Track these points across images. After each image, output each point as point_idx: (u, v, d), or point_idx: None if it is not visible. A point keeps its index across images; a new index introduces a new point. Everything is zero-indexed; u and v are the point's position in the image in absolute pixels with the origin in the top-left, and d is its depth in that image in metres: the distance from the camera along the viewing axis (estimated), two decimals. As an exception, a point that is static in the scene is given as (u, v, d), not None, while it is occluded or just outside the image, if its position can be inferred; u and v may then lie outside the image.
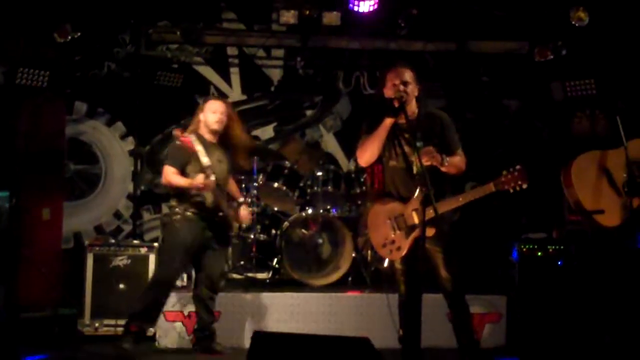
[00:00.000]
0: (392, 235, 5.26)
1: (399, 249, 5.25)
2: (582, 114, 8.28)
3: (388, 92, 5.27)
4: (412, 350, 5.37)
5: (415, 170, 5.15)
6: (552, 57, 8.53)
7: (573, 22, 7.90)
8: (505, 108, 9.42)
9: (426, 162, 4.96)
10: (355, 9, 8.01)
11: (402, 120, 5.15)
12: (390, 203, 5.32)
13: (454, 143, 5.35)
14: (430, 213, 4.88)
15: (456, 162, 5.25)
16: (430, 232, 5.05)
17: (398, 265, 5.38)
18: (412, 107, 5.30)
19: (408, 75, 5.32)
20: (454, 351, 5.50)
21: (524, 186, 4.99)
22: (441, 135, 5.30)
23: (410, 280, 5.38)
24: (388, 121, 5.18)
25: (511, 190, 5.01)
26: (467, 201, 5.11)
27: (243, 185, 7.86)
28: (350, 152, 8.88)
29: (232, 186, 6.57)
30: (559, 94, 8.71)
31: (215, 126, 6.15)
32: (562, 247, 7.20)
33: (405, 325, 5.45)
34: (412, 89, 5.28)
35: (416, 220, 5.13)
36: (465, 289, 5.49)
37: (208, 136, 6.19)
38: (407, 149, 5.26)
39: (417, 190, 5.13)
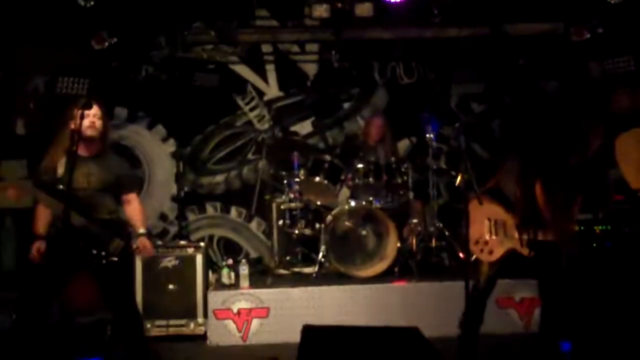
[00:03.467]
0: (487, 237, 5.21)
1: (490, 252, 5.21)
2: (622, 91, 8.18)
3: None
4: (470, 337, 5.37)
5: None
6: (588, 36, 8.44)
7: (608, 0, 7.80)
8: (543, 90, 9.34)
9: None
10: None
11: None
12: (493, 203, 5.22)
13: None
14: (529, 239, 4.96)
15: None
16: (525, 251, 5.06)
17: (485, 265, 5.32)
18: None
19: None
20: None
21: None
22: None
23: (492, 280, 5.37)
24: None
25: None
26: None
27: (285, 182, 7.91)
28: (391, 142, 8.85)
29: (133, 211, 5.69)
30: (598, 73, 8.62)
31: (94, 140, 5.39)
32: (608, 227, 7.12)
33: (469, 313, 5.41)
34: None
35: (517, 234, 5.09)
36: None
37: (81, 148, 5.25)
38: None
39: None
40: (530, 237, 4.97)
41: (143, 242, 5.63)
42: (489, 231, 5.19)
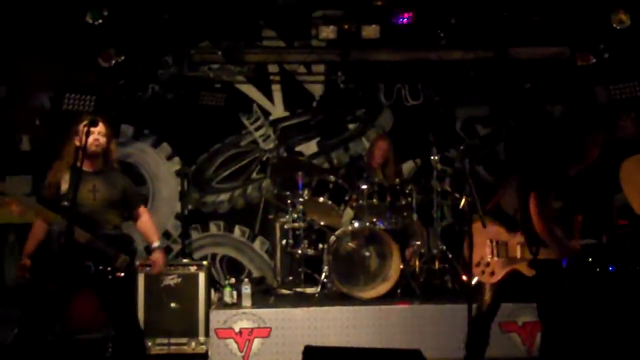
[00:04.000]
0: (489, 259, 5.23)
1: (492, 274, 5.24)
2: (627, 116, 8.19)
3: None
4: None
5: None
6: (594, 60, 8.47)
7: (614, 25, 7.82)
8: (548, 114, 9.35)
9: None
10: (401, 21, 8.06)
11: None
12: (496, 225, 5.25)
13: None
14: (535, 257, 5.03)
15: None
16: (528, 272, 5.10)
17: (488, 287, 5.32)
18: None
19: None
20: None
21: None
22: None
23: (495, 302, 5.38)
24: None
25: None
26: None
27: (289, 201, 7.91)
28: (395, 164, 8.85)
29: (144, 225, 5.77)
30: (603, 98, 8.64)
31: (98, 157, 5.46)
32: (612, 252, 7.10)
33: (473, 336, 5.41)
34: None
35: (518, 254, 5.12)
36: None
37: (85, 164, 5.27)
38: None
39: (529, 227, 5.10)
40: (533, 255, 4.97)
41: (156, 257, 5.65)
42: (491, 252, 5.21)
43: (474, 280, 5.27)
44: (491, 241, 5.24)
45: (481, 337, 5.43)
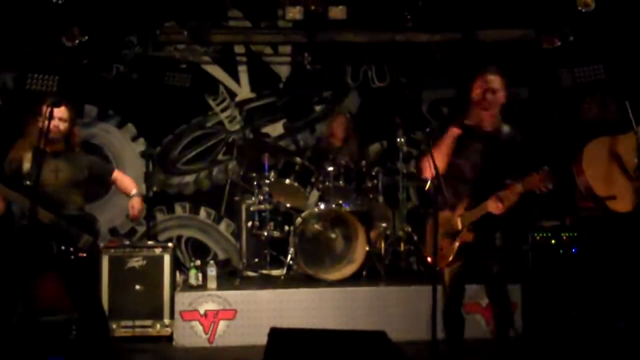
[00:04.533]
0: (441, 243, 5.22)
1: (444, 256, 5.26)
2: (592, 99, 8.25)
3: (473, 96, 5.29)
4: (455, 341, 5.52)
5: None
6: (559, 43, 8.52)
7: (579, 8, 7.86)
8: (515, 97, 9.39)
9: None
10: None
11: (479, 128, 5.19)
12: (443, 212, 5.21)
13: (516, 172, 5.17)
14: (470, 218, 5.09)
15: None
16: (469, 237, 5.16)
17: (446, 271, 5.39)
18: (494, 119, 5.27)
19: (497, 82, 5.30)
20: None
21: (550, 187, 4.84)
22: (511, 159, 5.20)
23: (457, 283, 5.45)
24: (455, 131, 5.16)
25: (537, 192, 4.88)
26: (500, 202, 5.06)
27: (255, 183, 7.88)
28: (360, 144, 8.83)
29: (121, 182, 5.88)
30: (568, 81, 8.70)
31: (61, 139, 5.45)
32: (575, 234, 7.19)
33: (446, 318, 5.49)
34: (499, 98, 5.27)
35: (459, 225, 5.17)
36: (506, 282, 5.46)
37: (48, 145, 5.15)
38: (478, 156, 5.22)
39: (466, 198, 5.21)
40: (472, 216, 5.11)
41: (132, 202, 5.73)
42: (442, 236, 5.22)
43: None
44: (440, 226, 5.17)
45: (455, 319, 5.50)
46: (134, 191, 5.80)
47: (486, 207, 5.06)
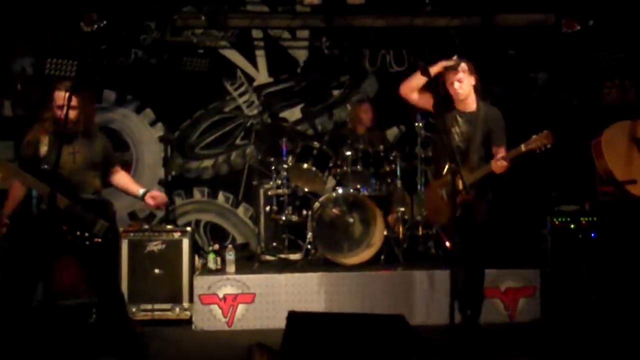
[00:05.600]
0: (440, 203, 5.74)
1: (443, 214, 5.71)
2: (611, 83, 8.19)
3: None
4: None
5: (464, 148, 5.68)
6: (579, 27, 8.45)
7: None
8: (533, 81, 9.35)
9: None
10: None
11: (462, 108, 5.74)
12: (444, 177, 5.76)
13: (502, 139, 5.76)
14: (471, 179, 5.47)
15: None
16: (468, 197, 5.40)
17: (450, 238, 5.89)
18: (469, 101, 5.80)
19: (462, 72, 5.74)
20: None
21: (549, 145, 5.29)
22: (493, 130, 5.74)
23: (459, 254, 5.62)
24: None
25: (538, 151, 5.33)
26: (505, 161, 5.47)
27: (273, 168, 7.89)
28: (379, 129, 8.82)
29: (123, 179, 5.74)
30: (588, 65, 8.64)
31: (78, 124, 5.34)
32: (594, 218, 7.15)
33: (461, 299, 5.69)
34: (466, 86, 5.75)
35: (460, 186, 5.24)
36: (487, 265, 5.89)
37: (64, 129, 5.17)
38: (464, 129, 5.71)
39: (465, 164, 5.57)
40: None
41: (153, 194, 5.61)
42: (442, 197, 5.77)
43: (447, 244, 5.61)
44: (440, 188, 5.79)
45: (469, 298, 5.75)
46: (141, 190, 5.63)
47: (489, 168, 5.52)
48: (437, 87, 5.68)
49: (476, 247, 5.68)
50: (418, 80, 5.81)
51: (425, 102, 5.86)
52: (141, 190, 5.62)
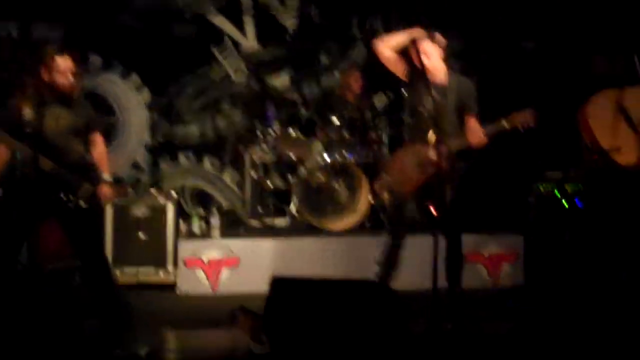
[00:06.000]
0: (411, 174, 5.66)
1: (413, 183, 5.66)
2: (600, 53, 8.17)
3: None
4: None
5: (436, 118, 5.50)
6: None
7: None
8: (521, 49, 9.31)
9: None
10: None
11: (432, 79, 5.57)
12: (412, 146, 5.74)
13: (473, 108, 5.64)
14: (447, 150, 5.35)
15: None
16: (444, 167, 5.32)
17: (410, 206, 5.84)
18: (440, 72, 5.70)
19: (429, 45, 5.62)
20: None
21: (531, 125, 5.29)
22: (465, 100, 5.63)
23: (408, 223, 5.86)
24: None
25: (521, 129, 5.34)
26: (480, 138, 5.40)
27: (259, 134, 7.87)
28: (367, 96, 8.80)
29: (99, 155, 5.58)
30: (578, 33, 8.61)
31: (66, 90, 5.29)
32: (580, 186, 7.16)
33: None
34: (435, 59, 5.64)
35: (433, 157, 5.37)
36: (463, 231, 5.81)
37: (50, 93, 5.21)
38: (436, 98, 5.51)
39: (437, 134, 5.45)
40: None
41: (104, 190, 5.53)
42: (411, 167, 5.68)
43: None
44: (410, 157, 5.71)
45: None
46: (105, 175, 5.53)
47: (466, 140, 5.46)
48: (411, 56, 5.61)
49: (451, 216, 5.63)
50: (399, 39, 5.72)
51: (396, 66, 5.80)
52: (105, 176, 5.56)
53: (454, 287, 5.64)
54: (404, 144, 6.01)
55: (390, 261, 5.82)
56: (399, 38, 5.70)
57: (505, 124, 5.35)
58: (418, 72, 5.56)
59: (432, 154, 5.41)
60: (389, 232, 6.01)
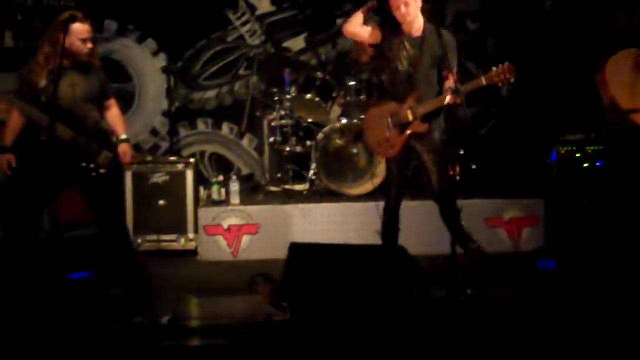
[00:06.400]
0: (387, 134, 5.61)
1: (392, 146, 5.61)
2: (620, 11, 8.05)
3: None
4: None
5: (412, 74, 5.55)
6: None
7: None
8: (539, 9, 9.18)
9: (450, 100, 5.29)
10: None
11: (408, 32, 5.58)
12: (387, 104, 5.72)
13: (453, 63, 5.49)
14: (423, 110, 5.43)
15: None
16: (421, 127, 5.47)
17: (392, 167, 5.81)
18: (416, 25, 5.61)
19: None
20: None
21: (512, 80, 5.19)
22: (443, 54, 5.41)
23: (399, 184, 5.86)
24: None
25: (500, 84, 5.26)
26: (459, 96, 5.22)
27: (276, 98, 7.84)
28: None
29: (114, 117, 5.71)
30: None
31: (84, 58, 5.38)
32: (600, 147, 7.09)
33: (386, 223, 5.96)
34: (413, 9, 5.53)
35: (410, 117, 5.45)
36: (455, 195, 5.76)
37: (65, 60, 5.21)
38: (412, 54, 5.54)
39: (414, 92, 5.51)
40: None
41: (124, 148, 5.58)
42: (387, 127, 5.63)
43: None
44: (385, 117, 5.64)
45: (391, 224, 5.95)
46: (123, 135, 5.64)
47: (442, 100, 5.36)
48: (385, 13, 5.61)
49: (436, 179, 5.71)
50: (358, 16, 5.80)
51: (376, 36, 5.74)
52: (123, 136, 5.59)
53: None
54: (378, 102, 6.03)
55: (387, 224, 5.92)
56: (357, 15, 5.82)
57: (482, 80, 5.28)
58: (392, 25, 5.56)
59: (404, 114, 5.46)
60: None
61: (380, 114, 5.73)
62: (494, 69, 5.22)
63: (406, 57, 5.56)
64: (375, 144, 5.84)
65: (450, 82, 5.33)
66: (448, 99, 5.28)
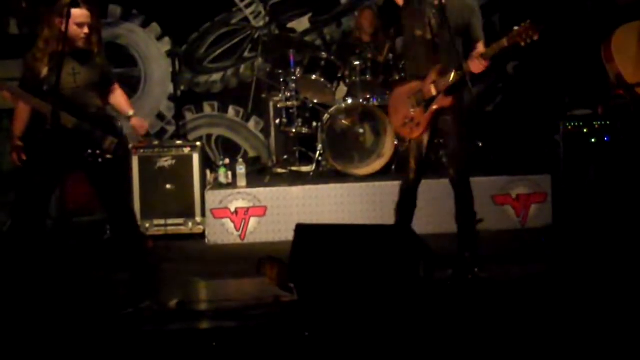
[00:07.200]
0: (412, 113, 5.34)
1: (418, 124, 5.32)
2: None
3: None
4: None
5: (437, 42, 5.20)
6: None
7: None
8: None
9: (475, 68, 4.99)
10: None
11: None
12: (409, 83, 5.44)
13: (479, 33, 5.24)
14: (446, 83, 5.08)
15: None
16: (446, 101, 5.16)
17: (416, 147, 5.47)
18: None
19: None
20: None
21: (535, 38, 4.80)
22: (469, 22, 5.21)
23: (421, 165, 5.52)
24: None
25: (523, 43, 4.83)
26: (484, 60, 4.99)
27: (281, 80, 7.82)
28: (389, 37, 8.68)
29: (119, 98, 5.63)
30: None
31: (81, 43, 5.25)
32: (607, 122, 7.06)
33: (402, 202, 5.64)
34: None
35: (434, 91, 5.17)
36: (471, 172, 5.52)
37: (66, 48, 5.05)
38: (434, 21, 5.20)
39: (436, 64, 5.18)
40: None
41: (136, 122, 5.57)
42: (412, 106, 5.33)
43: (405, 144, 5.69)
44: (408, 97, 5.35)
45: (409, 201, 5.62)
46: (131, 112, 5.59)
47: (468, 68, 5.02)
48: None
49: (456, 156, 5.43)
50: None
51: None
52: (131, 112, 5.59)
53: (468, 231, 5.42)
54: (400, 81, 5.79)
55: (403, 204, 5.63)
56: None
57: (505, 41, 4.88)
58: None
59: (428, 89, 5.20)
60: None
61: (403, 94, 5.44)
62: (516, 28, 4.84)
63: (428, 25, 5.24)
64: (401, 126, 5.49)
65: (475, 52, 5.10)
66: (472, 66, 5.00)
